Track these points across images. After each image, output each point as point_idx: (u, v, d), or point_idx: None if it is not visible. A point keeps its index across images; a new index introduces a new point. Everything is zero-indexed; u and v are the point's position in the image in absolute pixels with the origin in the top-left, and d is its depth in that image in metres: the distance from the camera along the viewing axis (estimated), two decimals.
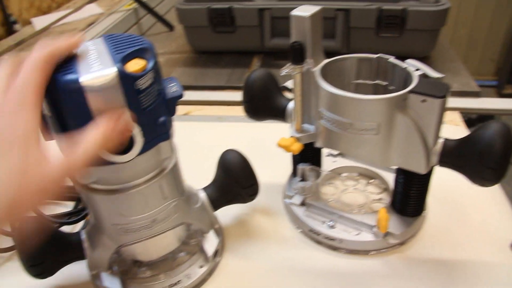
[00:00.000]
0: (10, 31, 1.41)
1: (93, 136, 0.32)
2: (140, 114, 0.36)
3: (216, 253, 0.50)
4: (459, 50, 2.72)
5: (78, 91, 0.32)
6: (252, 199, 0.51)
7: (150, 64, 0.35)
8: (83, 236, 0.46)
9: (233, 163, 0.49)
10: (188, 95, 0.87)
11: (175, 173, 0.44)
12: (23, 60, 0.32)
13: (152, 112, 0.37)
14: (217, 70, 0.98)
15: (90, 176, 0.38)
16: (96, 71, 0.33)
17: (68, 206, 0.60)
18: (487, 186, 0.42)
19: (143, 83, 0.35)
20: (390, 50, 0.91)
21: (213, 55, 1.05)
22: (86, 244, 0.45)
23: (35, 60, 0.31)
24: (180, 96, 0.39)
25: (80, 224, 0.57)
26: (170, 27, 1.26)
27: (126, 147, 0.36)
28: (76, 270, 0.49)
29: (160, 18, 1.26)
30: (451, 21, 2.62)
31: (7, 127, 0.29)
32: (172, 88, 0.40)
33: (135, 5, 1.25)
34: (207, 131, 0.75)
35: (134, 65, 0.34)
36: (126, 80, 0.33)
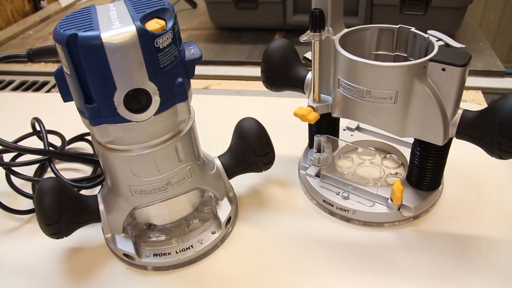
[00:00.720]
0: (36, 8, 1.43)
1: None
2: (158, 73, 0.36)
3: (229, 220, 0.50)
4: (488, 36, 2.65)
5: (98, 47, 0.33)
6: (267, 168, 0.51)
7: (170, 24, 0.36)
8: (99, 199, 0.47)
9: (249, 131, 0.49)
10: (208, 70, 0.87)
11: (191, 137, 0.44)
12: None
13: (170, 72, 0.37)
14: (238, 46, 0.98)
15: (107, 135, 0.38)
16: (117, 28, 0.33)
17: (86, 172, 0.62)
18: (505, 158, 0.42)
19: (162, 42, 0.35)
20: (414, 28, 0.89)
21: (235, 31, 1.05)
22: (101, 207, 0.46)
23: None
24: (199, 58, 0.40)
25: (98, 189, 0.58)
26: (193, 4, 1.26)
27: (143, 106, 0.37)
28: (91, 232, 0.51)
29: None
30: (480, 6, 2.55)
31: None
32: (191, 51, 0.40)
33: None
34: (226, 105, 0.75)
35: (154, 24, 0.35)
36: (145, 38, 0.34)
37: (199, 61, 0.40)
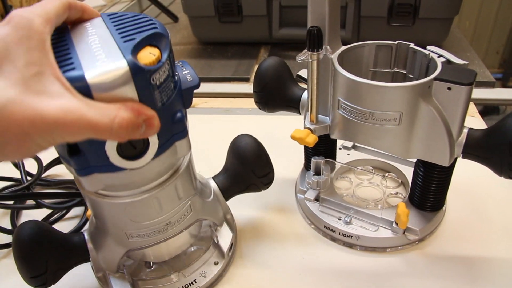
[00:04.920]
0: None
1: (118, 114, 0.27)
2: (156, 113, 0.30)
3: (231, 248, 0.47)
4: None
5: (83, 90, 0.27)
6: (267, 187, 0.48)
7: (165, 54, 0.30)
8: (87, 236, 0.42)
9: (248, 151, 0.46)
10: None
11: (189, 171, 0.40)
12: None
13: (168, 108, 0.32)
14: (223, 61, 0.95)
15: (97, 184, 0.33)
16: (103, 64, 0.27)
17: None
18: None
19: (159, 77, 0.30)
20: (401, 39, 0.88)
21: (219, 46, 1.02)
22: (90, 245, 0.42)
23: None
24: (197, 85, 0.35)
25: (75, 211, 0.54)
26: (174, 18, 1.24)
27: (139, 151, 0.32)
28: (80, 271, 0.45)
29: (164, 9, 1.23)
30: None
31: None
32: (187, 76, 0.35)
33: None
34: (214, 124, 0.72)
35: (147, 56, 0.29)
36: (140, 75, 0.28)
37: (197, 88, 0.35)
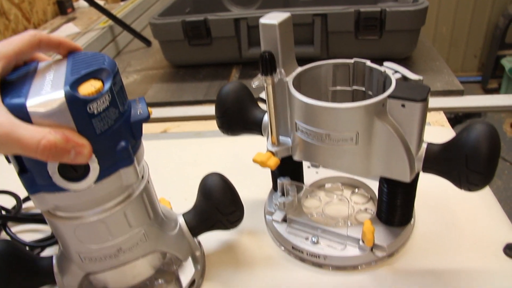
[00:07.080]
0: None
1: (46, 137, 0.31)
2: (94, 140, 0.33)
3: (193, 283, 0.46)
4: (442, 48, 2.74)
5: (23, 116, 0.31)
6: (235, 226, 0.48)
7: (107, 86, 0.33)
8: (54, 260, 0.44)
9: (213, 188, 0.46)
10: (166, 112, 0.84)
11: (144, 199, 0.41)
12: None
13: (109, 137, 0.34)
14: (194, 84, 0.95)
15: (45, 203, 0.36)
16: (45, 94, 0.31)
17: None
18: (473, 190, 0.40)
19: (97, 106, 0.32)
20: (370, 52, 0.89)
21: (190, 68, 1.02)
22: (55, 269, 0.43)
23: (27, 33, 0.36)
24: (146, 118, 0.37)
25: None
26: (147, 42, 1.24)
27: (80, 174, 0.34)
28: None
29: (137, 34, 1.23)
30: (432, 20, 2.63)
31: None
32: (138, 110, 0.37)
33: (110, 22, 1.22)
34: (185, 148, 0.72)
35: (88, 88, 0.32)
36: (75, 104, 0.31)
37: (147, 121, 0.37)
